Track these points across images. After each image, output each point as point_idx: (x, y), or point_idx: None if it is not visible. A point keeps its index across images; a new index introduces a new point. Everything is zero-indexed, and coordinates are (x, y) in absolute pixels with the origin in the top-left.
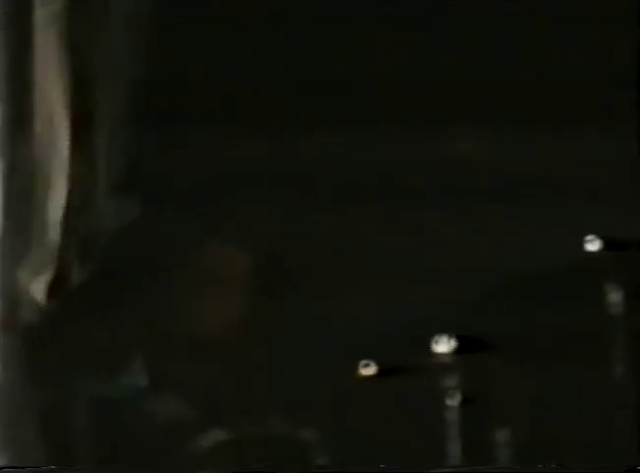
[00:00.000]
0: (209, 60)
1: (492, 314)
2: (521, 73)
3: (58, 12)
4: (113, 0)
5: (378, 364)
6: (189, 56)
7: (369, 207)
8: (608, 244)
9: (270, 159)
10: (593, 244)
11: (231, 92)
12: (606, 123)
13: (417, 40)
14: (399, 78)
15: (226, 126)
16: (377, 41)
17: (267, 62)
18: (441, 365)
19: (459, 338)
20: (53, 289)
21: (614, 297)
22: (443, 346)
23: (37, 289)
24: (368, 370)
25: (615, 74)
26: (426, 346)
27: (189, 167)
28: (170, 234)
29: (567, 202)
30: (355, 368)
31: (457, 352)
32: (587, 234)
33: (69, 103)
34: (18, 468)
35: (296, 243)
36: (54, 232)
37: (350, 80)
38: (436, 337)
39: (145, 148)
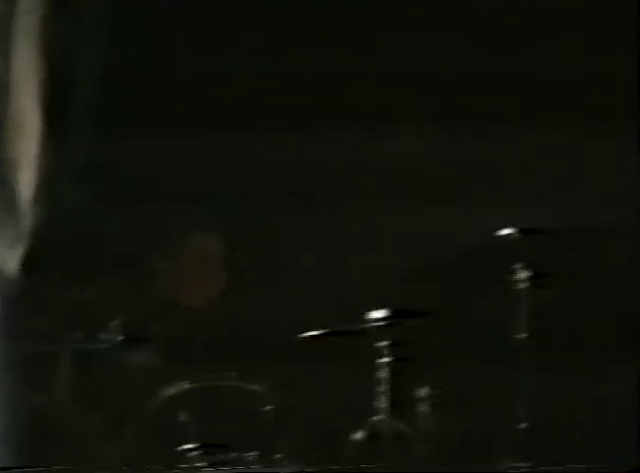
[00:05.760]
0: (208, 60)
1: (420, 289)
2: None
3: (38, 19)
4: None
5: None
6: (189, 56)
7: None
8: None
9: (269, 158)
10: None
11: (231, 91)
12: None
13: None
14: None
15: (225, 126)
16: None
17: (267, 62)
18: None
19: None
20: (25, 262)
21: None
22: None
23: (11, 262)
24: None
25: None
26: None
27: (173, 163)
28: (149, 221)
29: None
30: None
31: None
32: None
33: (42, 102)
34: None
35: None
36: (25, 212)
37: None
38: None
39: (117, 144)
